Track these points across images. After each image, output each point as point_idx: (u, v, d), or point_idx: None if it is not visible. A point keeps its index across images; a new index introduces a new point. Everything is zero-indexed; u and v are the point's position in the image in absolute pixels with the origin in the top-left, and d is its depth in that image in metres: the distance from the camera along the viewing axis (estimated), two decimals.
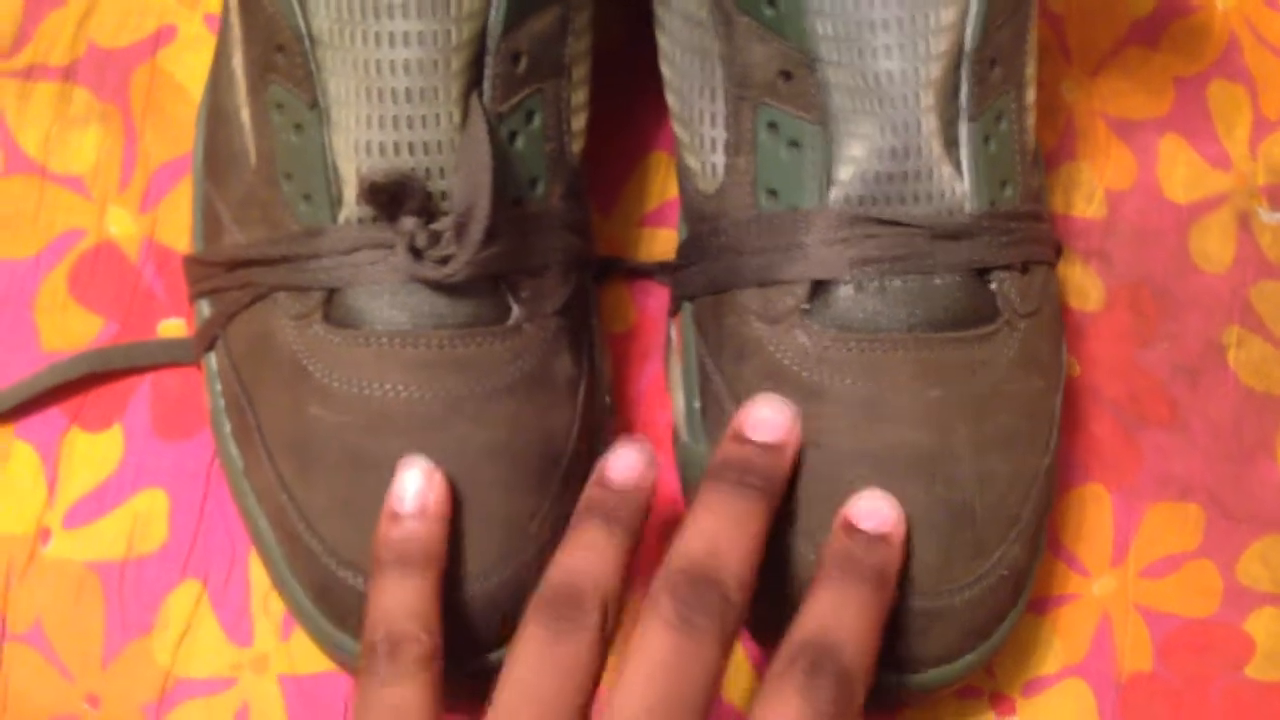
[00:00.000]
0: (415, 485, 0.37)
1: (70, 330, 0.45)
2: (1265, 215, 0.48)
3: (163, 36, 0.48)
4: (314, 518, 0.38)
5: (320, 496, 0.38)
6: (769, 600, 0.39)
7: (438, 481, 0.37)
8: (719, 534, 0.34)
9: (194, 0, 0.49)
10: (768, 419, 0.37)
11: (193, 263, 0.43)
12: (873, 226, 0.39)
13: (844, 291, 0.39)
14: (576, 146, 0.41)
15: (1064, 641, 0.43)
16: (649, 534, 0.43)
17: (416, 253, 0.38)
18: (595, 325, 0.43)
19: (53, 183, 0.47)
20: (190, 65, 0.48)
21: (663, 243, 0.47)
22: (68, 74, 0.48)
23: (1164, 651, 0.43)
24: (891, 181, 0.38)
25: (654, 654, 0.31)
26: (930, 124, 0.38)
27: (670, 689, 0.31)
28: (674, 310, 0.44)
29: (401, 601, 0.35)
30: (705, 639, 0.31)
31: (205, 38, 0.48)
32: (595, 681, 0.33)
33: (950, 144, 0.39)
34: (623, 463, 0.37)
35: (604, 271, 0.46)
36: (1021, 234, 0.40)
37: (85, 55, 0.48)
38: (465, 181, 0.37)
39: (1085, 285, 0.47)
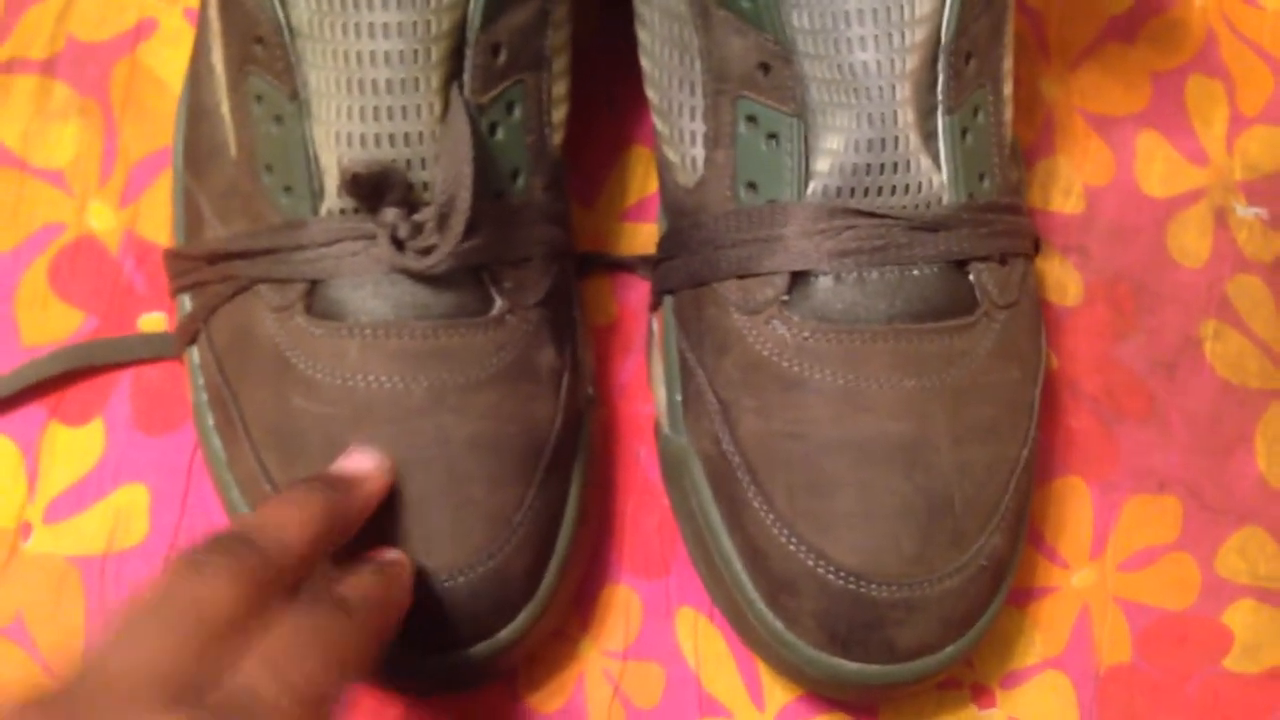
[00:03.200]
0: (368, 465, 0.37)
1: (50, 325, 0.45)
2: (1242, 210, 0.48)
3: (143, 30, 0.48)
4: None
5: None
6: (748, 591, 0.39)
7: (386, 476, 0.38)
8: (271, 510, 0.35)
9: None
10: (353, 462, 0.38)
11: (174, 256, 0.42)
12: (851, 218, 0.39)
13: (823, 283, 0.39)
14: (557, 138, 0.41)
15: (1043, 634, 0.43)
16: (639, 529, 0.44)
17: (398, 244, 0.38)
18: (577, 317, 0.43)
19: (32, 176, 0.46)
20: (170, 59, 0.48)
21: (644, 236, 0.47)
22: (47, 68, 0.48)
23: (1143, 644, 0.43)
24: (869, 173, 0.39)
25: (156, 585, 0.31)
26: (907, 116, 0.38)
27: (160, 611, 0.31)
28: (655, 304, 0.44)
29: (299, 521, 0.34)
30: (209, 572, 0.31)
31: (185, 31, 0.48)
32: (230, 626, 0.31)
33: (928, 136, 0.39)
34: (352, 460, 0.38)
35: (585, 265, 0.46)
36: (1000, 226, 0.40)
37: (65, 49, 0.48)
38: (446, 173, 0.37)
39: (1063, 280, 0.47)
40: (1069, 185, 0.48)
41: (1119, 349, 0.46)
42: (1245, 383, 0.46)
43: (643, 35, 0.42)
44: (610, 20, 0.44)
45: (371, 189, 0.38)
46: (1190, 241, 0.48)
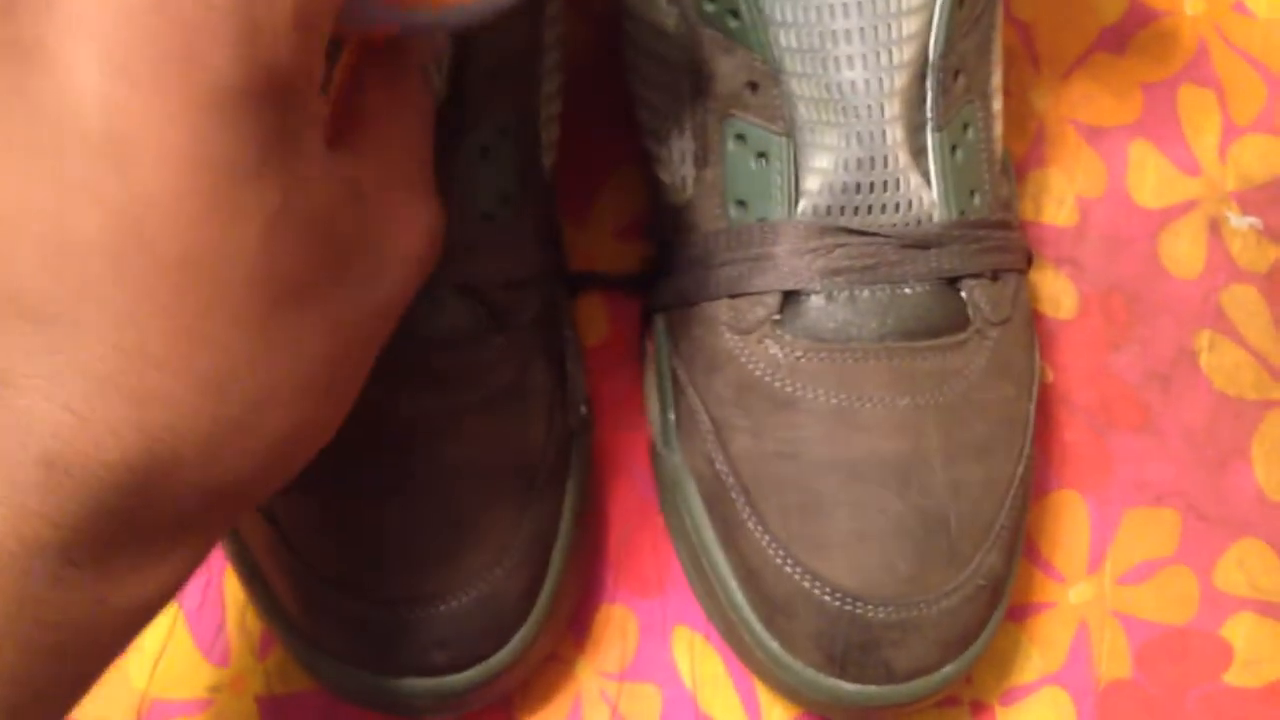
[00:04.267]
0: None
1: None
2: (1235, 220, 0.48)
3: None
4: (293, 536, 0.38)
5: (298, 515, 0.38)
6: (744, 612, 0.39)
7: None
8: None
9: None
10: None
11: None
12: (841, 236, 0.39)
13: (815, 302, 0.39)
14: (548, 160, 0.41)
15: (1041, 649, 0.43)
16: (634, 548, 0.43)
17: None
18: (569, 337, 0.43)
19: None
20: None
21: (636, 255, 0.47)
22: None
23: (1142, 659, 0.43)
24: (859, 192, 0.39)
25: None
26: (896, 134, 0.38)
27: None
28: (647, 322, 0.44)
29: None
30: None
31: None
32: None
33: (917, 153, 0.39)
34: None
35: (577, 284, 0.46)
36: (991, 242, 0.40)
37: None
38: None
39: (1057, 292, 0.47)
40: (1061, 197, 0.48)
41: (1113, 361, 0.46)
42: (1241, 394, 0.46)
43: (631, 55, 0.42)
44: (601, 40, 0.44)
45: None
46: (1183, 252, 0.48)
